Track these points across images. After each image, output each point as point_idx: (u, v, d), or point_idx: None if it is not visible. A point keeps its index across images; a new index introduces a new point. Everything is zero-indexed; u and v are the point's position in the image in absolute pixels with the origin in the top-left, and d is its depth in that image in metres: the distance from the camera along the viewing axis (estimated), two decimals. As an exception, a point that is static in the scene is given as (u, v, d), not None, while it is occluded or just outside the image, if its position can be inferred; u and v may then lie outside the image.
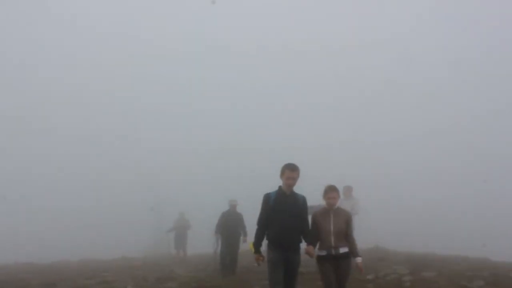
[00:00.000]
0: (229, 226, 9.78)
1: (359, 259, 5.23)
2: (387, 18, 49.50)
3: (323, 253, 5.22)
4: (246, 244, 9.38)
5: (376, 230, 10.24)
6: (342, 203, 9.35)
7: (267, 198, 5.22)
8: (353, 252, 5.26)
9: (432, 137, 35.96)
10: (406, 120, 39.85)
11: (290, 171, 5.16)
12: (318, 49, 48.51)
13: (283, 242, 5.07)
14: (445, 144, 34.55)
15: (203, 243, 17.13)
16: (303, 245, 5.22)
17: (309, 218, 5.68)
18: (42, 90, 42.27)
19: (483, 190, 25.78)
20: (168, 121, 43.19)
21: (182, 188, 28.78)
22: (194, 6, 54.14)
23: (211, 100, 46.02)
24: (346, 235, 5.27)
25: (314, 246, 5.26)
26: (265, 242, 5.40)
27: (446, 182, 28.92)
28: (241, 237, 9.89)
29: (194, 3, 54.21)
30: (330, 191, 5.35)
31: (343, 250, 5.20)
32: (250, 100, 45.38)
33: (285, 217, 5.07)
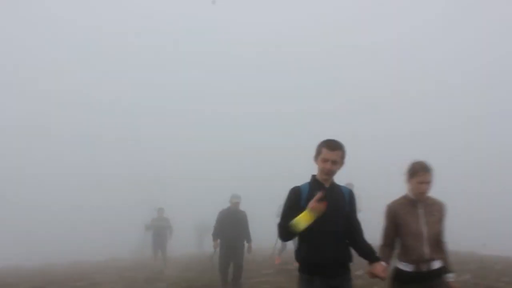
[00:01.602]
0: (229, 229, 7.62)
1: (451, 276, 3.40)
2: (391, 20, 49.67)
3: (408, 268, 3.32)
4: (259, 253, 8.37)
5: (367, 225, 10.23)
6: None
7: (295, 194, 3.20)
8: (446, 266, 3.41)
9: (432, 135, 36.26)
10: (404, 119, 40.09)
11: (329, 150, 3.14)
12: (319, 49, 48.67)
13: (326, 264, 3.09)
14: (445, 143, 34.89)
15: (190, 242, 17.15)
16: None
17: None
18: (41, 93, 42.13)
19: (484, 187, 26.02)
20: (168, 123, 43.05)
21: (179, 189, 28.81)
22: (194, 6, 54.20)
23: (210, 102, 45.99)
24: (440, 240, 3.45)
25: (388, 261, 3.38)
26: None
27: (445, 179, 29.13)
28: (245, 243, 7.89)
29: (194, 3, 54.27)
30: (424, 172, 3.39)
31: (438, 264, 3.35)
32: (249, 102, 45.46)
33: (325, 223, 3.04)
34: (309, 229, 3.00)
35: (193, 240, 18.46)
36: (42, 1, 51.48)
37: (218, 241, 7.79)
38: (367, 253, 3.25)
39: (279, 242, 9.82)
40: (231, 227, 7.62)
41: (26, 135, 36.10)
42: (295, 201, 3.17)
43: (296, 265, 10.13)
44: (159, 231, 12.27)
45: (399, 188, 3.65)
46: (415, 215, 3.40)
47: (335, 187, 3.29)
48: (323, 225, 3.05)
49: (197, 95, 46.78)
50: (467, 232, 18.73)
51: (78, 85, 45.78)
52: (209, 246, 16.27)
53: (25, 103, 40.22)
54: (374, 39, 48.24)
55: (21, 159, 33.40)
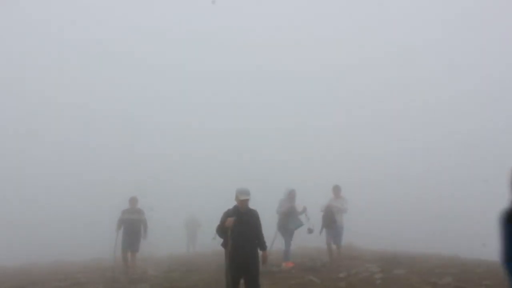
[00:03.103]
0: (239, 235, 5.77)
1: None
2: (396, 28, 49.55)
3: None
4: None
5: (351, 228, 10.32)
6: (332, 202, 10.08)
7: None
8: None
9: (434, 139, 36.35)
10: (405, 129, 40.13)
11: None
12: (320, 50, 48.70)
13: None
14: (445, 145, 35.02)
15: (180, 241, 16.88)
16: None
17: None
18: (40, 95, 42.02)
19: (484, 190, 26.07)
20: (165, 128, 42.93)
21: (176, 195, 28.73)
22: (194, 6, 54.23)
23: (210, 111, 45.90)
24: None
25: None
26: None
27: (446, 182, 29.35)
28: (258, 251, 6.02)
29: (194, 3, 54.32)
30: None
31: None
32: (249, 103, 45.42)
33: None
34: None
35: (184, 238, 17.71)
36: (41, 2, 51.47)
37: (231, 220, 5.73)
38: None
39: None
40: (241, 233, 5.78)
41: (22, 137, 36.04)
42: None
43: (287, 266, 9.87)
44: (131, 225, 10.05)
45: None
46: None
47: None
48: None
49: (197, 102, 46.79)
50: (468, 232, 18.88)
51: (76, 88, 45.78)
52: (201, 243, 15.96)
53: (24, 105, 40.22)
54: (376, 49, 48.42)
55: (15, 161, 33.29)
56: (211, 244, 8.87)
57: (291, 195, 9.88)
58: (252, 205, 6.19)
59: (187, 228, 17.69)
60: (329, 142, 39.20)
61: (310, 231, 9.73)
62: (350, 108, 43.84)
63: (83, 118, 42.25)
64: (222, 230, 5.86)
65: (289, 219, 9.66)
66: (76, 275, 10.35)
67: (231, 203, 6.04)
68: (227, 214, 5.92)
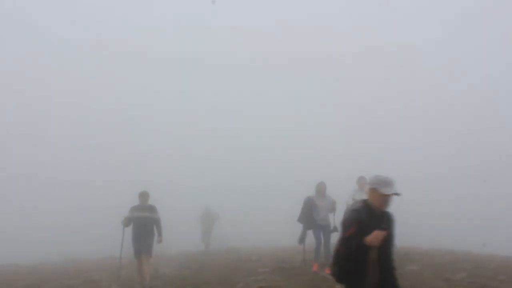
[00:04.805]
0: (379, 253, 3.48)
1: None
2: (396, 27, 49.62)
3: None
4: None
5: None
6: (357, 194, 8.82)
7: None
8: None
9: (434, 139, 36.46)
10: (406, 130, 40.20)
11: None
12: (320, 50, 48.74)
13: None
14: (446, 146, 35.15)
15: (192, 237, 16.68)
16: None
17: None
18: (37, 99, 41.93)
19: (483, 189, 26.18)
20: (165, 129, 42.86)
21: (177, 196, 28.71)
22: (194, 6, 54.19)
23: (211, 112, 45.83)
24: None
25: None
26: None
27: (446, 182, 29.45)
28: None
29: (194, 3, 54.30)
30: None
31: None
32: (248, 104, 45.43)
33: None
34: None
35: (199, 233, 16.38)
36: (41, 2, 51.32)
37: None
38: None
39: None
40: (381, 253, 3.51)
41: (22, 137, 36.01)
42: None
43: (315, 269, 9.49)
44: (142, 225, 8.59)
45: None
46: None
47: None
48: None
49: (197, 102, 46.72)
50: (468, 232, 18.99)
51: (75, 88, 45.65)
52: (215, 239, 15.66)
53: (23, 105, 40.15)
54: (376, 49, 48.49)
55: (18, 162, 33.24)
56: (225, 242, 8.84)
57: (318, 189, 9.01)
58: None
59: (203, 222, 16.38)
60: (329, 142, 39.27)
61: (335, 229, 8.62)
62: (350, 108, 43.90)
63: (83, 118, 42.18)
64: (353, 255, 3.36)
65: (315, 214, 8.81)
66: (88, 273, 10.40)
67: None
68: (358, 219, 3.46)
